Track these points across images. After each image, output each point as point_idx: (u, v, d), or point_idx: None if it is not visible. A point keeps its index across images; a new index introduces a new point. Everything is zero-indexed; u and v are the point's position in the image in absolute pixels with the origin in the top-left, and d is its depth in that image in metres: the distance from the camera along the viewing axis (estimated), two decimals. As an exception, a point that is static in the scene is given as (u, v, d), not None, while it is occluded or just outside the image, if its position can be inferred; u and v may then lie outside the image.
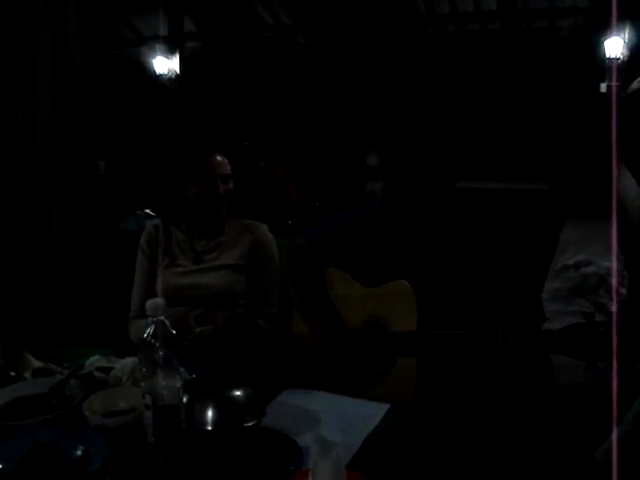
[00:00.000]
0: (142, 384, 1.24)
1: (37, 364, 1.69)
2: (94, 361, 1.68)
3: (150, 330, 1.22)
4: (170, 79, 8.27)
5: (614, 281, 3.95)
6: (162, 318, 1.23)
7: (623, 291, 2.75)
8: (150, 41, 8.81)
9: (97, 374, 1.63)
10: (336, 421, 1.45)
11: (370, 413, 1.48)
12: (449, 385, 1.60)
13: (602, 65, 6.83)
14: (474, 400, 1.60)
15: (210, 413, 1.37)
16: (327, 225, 1.90)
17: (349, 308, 1.76)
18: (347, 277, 1.79)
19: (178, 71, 8.31)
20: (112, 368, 1.64)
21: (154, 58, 8.29)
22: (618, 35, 6.53)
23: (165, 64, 8.24)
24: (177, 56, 8.29)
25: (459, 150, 1.66)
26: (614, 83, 6.62)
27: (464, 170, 1.67)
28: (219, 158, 2.08)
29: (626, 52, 6.57)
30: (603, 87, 6.98)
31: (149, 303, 1.24)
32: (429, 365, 1.58)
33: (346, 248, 1.81)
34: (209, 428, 1.34)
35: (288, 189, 5.80)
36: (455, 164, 1.65)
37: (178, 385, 1.24)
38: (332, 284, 1.82)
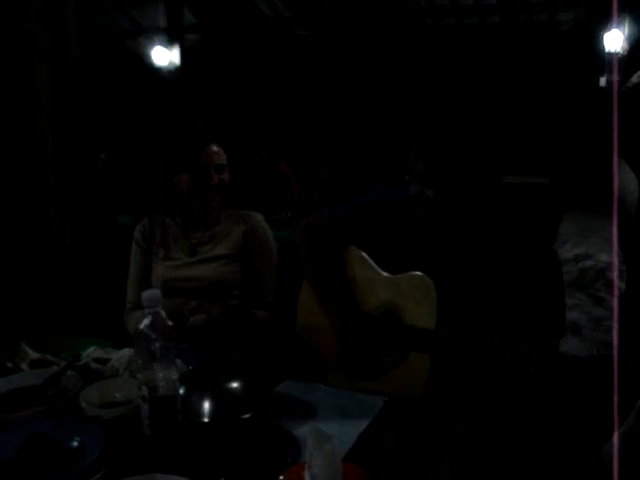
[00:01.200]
0: (139, 376, 1.23)
1: (34, 355, 1.68)
2: (91, 352, 1.68)
3: (147, 321, 1.22)
4: (170, 71, 8.24)
5: (614, 275, 3.95)
6: (159, 309, 1.23)
7: (622, 285, 2.74)
8: (150, 33, 8.78)
9: (94, 365, 1.63)
10: (333, 414, 1.45)
11: (367, 406, 1.48)
12: (460, 386, 1.57)
13: (602, 59, 6.81)
14: (481, 401, 1.58)
15: (207, 405, 1.37)
16: (354, 203, 1.84)
17: (365, 291, 1.71)
18: (367, 259, 1.74)
19: (178, 63, 8.29)
20: (109, 359, 1.64)
21: (154, 50, 8.26)
22: (618, 29, 6.51)
23: (165, 56, 8.21)
24: (177, 48, 8.26)
25: (497, 145, 1.64)
26: (614, 77, 6.60)
27: (507, 164, 1.64)
28: (215, 148, 2.08)
29: (626, 46, 6.53)
30: (603, 81, 6.96)
31: (145, 294, 1.24)
32: (443, 365, 1.56)
33: (372, 228, 1.76)
34: (206, 420, 1.34)
35: (290, 182, 5.78)
36: (498, 160, 1.62)
37: (175, 377, 1.24)
38: (351, 264, 1.76)
